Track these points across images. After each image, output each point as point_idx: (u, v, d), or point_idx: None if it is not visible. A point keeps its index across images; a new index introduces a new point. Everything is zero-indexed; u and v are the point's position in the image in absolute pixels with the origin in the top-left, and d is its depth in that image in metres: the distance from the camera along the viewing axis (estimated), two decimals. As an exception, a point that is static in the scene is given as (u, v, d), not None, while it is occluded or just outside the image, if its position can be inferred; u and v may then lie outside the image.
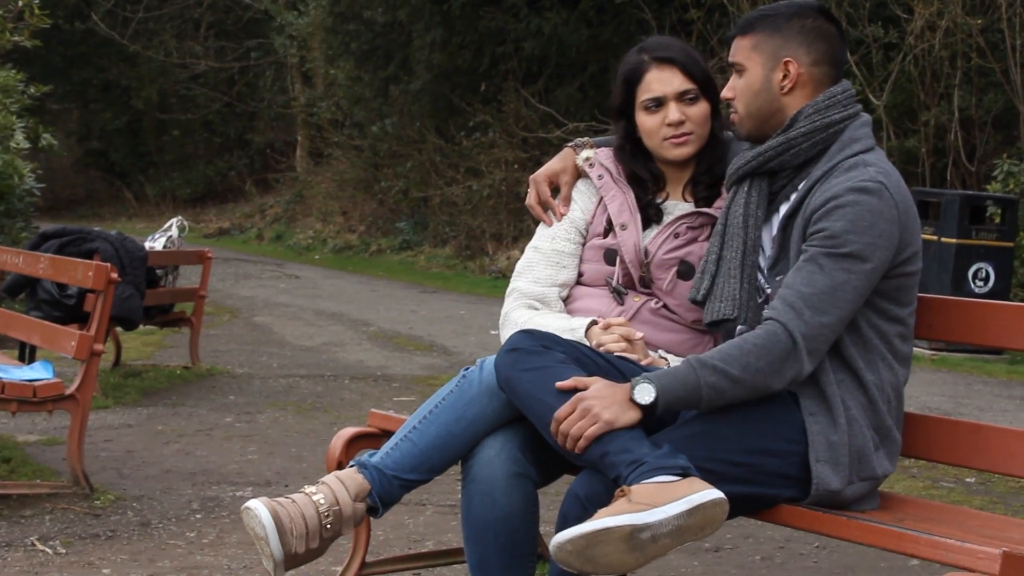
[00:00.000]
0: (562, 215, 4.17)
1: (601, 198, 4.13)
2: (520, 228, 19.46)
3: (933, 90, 15.83)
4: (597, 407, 3.40)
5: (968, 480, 6.92)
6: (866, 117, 3.73)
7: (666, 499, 3.26)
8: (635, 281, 4.01)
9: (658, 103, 4.00)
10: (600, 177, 4.13)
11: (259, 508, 3.57)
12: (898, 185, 3.56)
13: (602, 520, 3.24)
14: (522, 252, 4.28)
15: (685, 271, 3.98)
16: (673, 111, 3.99)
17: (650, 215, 4.08)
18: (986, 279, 12.12)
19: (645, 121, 4.04)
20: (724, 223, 3.79)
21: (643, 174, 4.10)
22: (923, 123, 15.71)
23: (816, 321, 3.44)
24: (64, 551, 5.28)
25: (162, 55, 31.01)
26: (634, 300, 4.00)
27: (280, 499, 3.64)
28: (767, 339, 3.44)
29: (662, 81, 4.01)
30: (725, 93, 3.82)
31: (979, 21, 15.17)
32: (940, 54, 15.50)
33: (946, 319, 3.88)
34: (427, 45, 21.00)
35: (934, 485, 6.77)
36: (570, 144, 4.30)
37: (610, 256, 4.06)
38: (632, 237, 4.02)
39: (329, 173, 26.25)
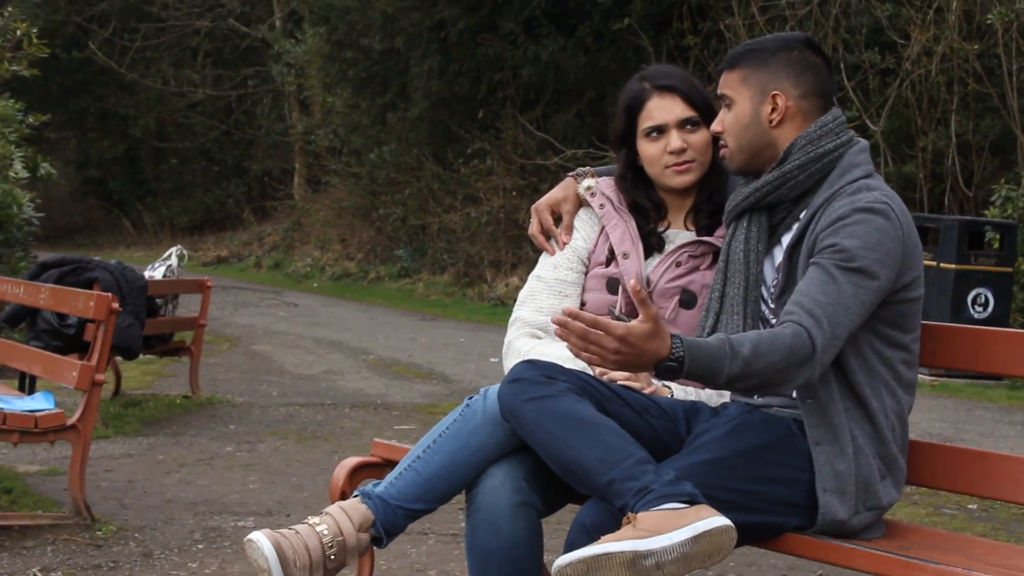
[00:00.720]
0: (564, 244, 4.18)
1: (603, 227, 4.14)
2: (519, 255, 19.47)
3: (930, 115, 15.88)
4: (628, 359, 3.31)
5: (971, 507, 6.92)
6: (863, 143, 3.74)
7: (672, 526, 3.25)
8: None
9: (659, 131, 4.02)
10: (602, 206, 4.15)
11: (262, 541, 3.57)
12: (902, 208, 3.58)
13: (604, 545, 3.23)
14: (521, 279, 4.30)
15: (687, 300, 3.99)
16: (675, 139, 4.01)
17: (652, 244, 4.09)
18: (985, 304, 12.13)
19: (647, 149, 4.06)
20: (726, 260, 3.80)
21: (645, 203, 4.12)
22: (920, 148, 15.75)
23: (831, 332, 3.43)
24: (66, 582, 5.28)
25: (160, 84, 31.10)
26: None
27: (283, 530, 3.63)
28: (795, 342, 3.40)
29: (663, 109, 4.03)
30: (714, 127, 3.83)
31: (975, 46, 15.22)
32: (937, 79, 15.55)
33: (948, 346, 3.88)
34: (425, 72, 21.05)
35: (936, 512, 6.76)
36: (571, 174, 4.32)
37: (612, 285, 4.07)
38: (634, 266, 4.02)
39: (327, 201, 26.29)
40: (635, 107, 4.08)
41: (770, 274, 3.75)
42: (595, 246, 4.15)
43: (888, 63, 15.82)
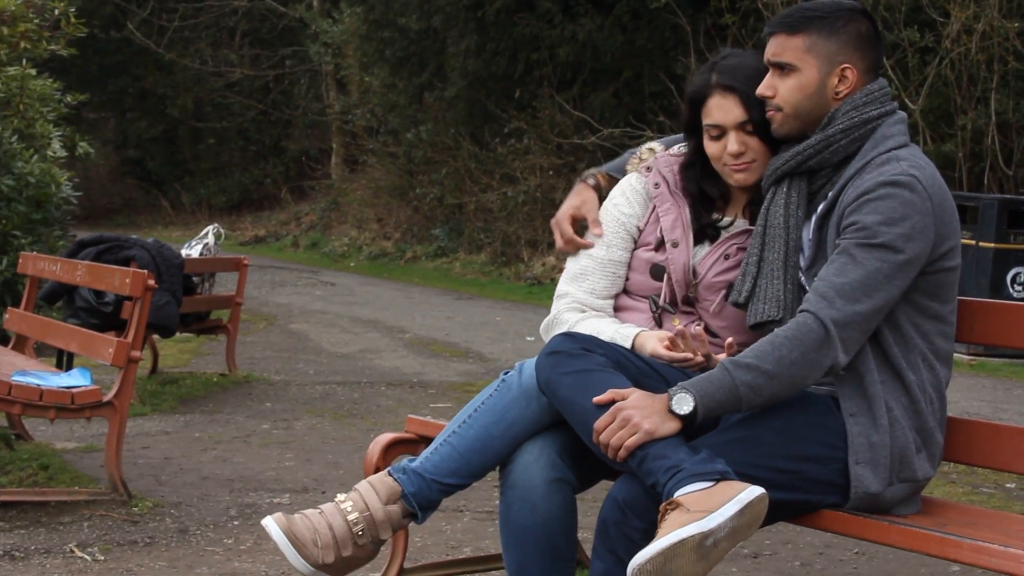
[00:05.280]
0: (599, 235, 4.08)
1: (654, 207, 4.05)
2: (555, 234, 19.42)
3: (970, 94, 15.75)
4: (637, 417, 3.38)
5: (1008, 486, 6.87)
6: (901, 115, 3.69)
7: (718, 503, 3.25)
8: (679, 301, 3.95)
9: (719, 131, 3.91)
10: (656, 186, 4.04)
11: (270, 525, 3.64)
12: (932, 178, 3.52)
13: (674, 533, 3.21)
14: (558, 259, 4.24)
15: (733, 294, 3.93)
16: (732, 142, 3.86)
17: (707, 233, 4.00)
18: (1025, 283, 12.06)
19: (708, 146, 3.92)
20: (764, 224, 3.75)
21: (711, 192, 3.98)
22: (960, 127, 15.62)
23: (849, 309, 3.42)
24: (102, 558, 5.29)
25: (197, 64, 31.22)
26: (673, 324, 3.93)
27: (306, 511, 3.69)
28: (798, 330, 3.42)
29: (722, 110, 3.88)
30: (763, 91, 3.72)
31: (1016, 24, 15.09)
32: (977, 58, 15.42)
33: (986, 322, 3.85)
34: (461, 52, 21.03)
35: (974, 491, 6.72)
36: (581, 179, 4.24)
37: (657, 272, 3.99)
38: (682, 256, 3.94)
39: (364, 180, 26.32)
40: (697, 101, 3.94)
41: (805, 241, 3.71)
42: (645, 224, 4.07)
43: (927, 41, 15.68)
